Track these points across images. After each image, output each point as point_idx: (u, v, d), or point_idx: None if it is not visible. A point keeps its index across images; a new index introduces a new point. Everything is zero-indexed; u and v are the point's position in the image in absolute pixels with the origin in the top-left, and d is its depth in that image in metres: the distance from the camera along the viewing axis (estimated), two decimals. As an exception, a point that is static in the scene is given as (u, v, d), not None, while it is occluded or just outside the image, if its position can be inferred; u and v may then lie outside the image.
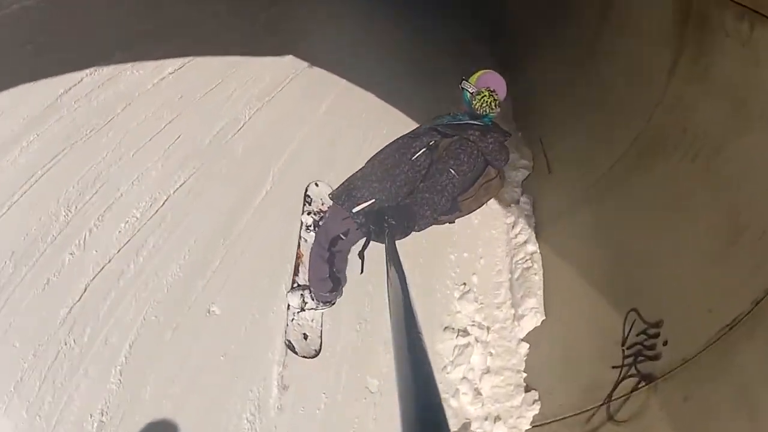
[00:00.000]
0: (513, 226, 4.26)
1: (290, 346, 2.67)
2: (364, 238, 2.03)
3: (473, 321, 3.61)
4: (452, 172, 2.04)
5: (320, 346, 2.75)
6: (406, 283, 1.22)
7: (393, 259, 1.52)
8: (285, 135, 3.64)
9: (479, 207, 2.36)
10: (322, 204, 3.19)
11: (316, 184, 3.29)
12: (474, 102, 2.16)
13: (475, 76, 2.20)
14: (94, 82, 3.09)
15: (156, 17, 3.78)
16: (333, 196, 2.29)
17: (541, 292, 3.74)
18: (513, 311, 3.75)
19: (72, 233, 2.43)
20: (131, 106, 3.08)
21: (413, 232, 2.03)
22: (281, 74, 4.18)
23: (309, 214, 3.08)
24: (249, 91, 3.77)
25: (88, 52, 3.22)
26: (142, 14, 3.74)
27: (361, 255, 1.99)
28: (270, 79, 4.04)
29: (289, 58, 4.42)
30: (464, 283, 3.76)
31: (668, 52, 3.48)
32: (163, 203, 2.72)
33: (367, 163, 2.34)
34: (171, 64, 3.49)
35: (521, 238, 4.13)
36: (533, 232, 4.12)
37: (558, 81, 4.81)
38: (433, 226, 2.20)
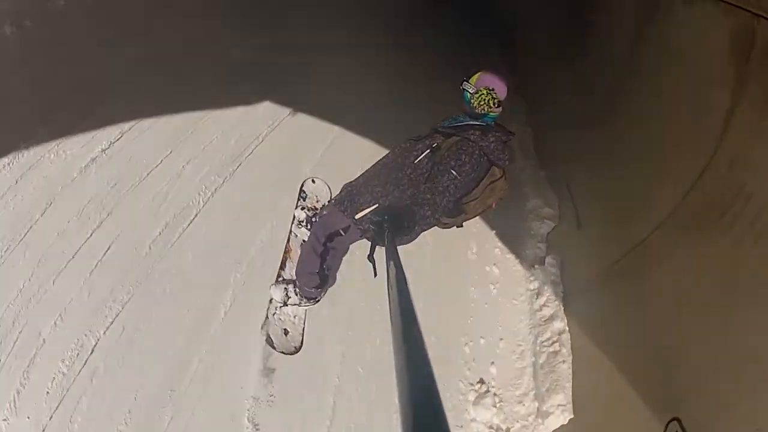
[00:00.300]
0: (537, 295, 4.01)
1: (269, 341, 2.84)
2: (369, 242, 2.32)
3: (491, 426, 3.39)
4: (453, 173, 2.25)
5: (301, 343, 2.94)
6: (406, 284, 1.35)
7: (393, 259, 1.68)
8: (254, 220, 3.32)
9: (486, 209, 2.52)
10: (317, 201, 3.44)
11: (313, 181, 3.51)
12: (473, 101, 2.39)
13: (475, 76, 2.42)
14: (13, 176, 2.80)
15: (88, 70, 3.39)
16: (335, 202, 2.52)
17: (569, 385, 3.54)
18: (536, 405, 3.55)
19: (2, 394, 2.23)
20: (53, 206, 2.78)
21: (419, 234, 2.32)
22: (253, 130, 3.81)
23: (303, 209, 3.32)
24: (208, 162, 3.42)
25: (6, 131, 2.92)
26: (66, 69, 3.33)
27: (370, 258, 2.26)
28: (238, 140, 3.68)
29: (264, 106, 4.04)
30: (480, 381, 3.53)
31: (724, 94, 3.15)
32: (92, 350, 2.44)
33: (369, 168, 2.57)
34: (106, 136, 3.17)
35: (547, 312, 3.88)
36: (561, 305, 3.86)
37: (584, 114, 4.48)
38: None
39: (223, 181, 3.38)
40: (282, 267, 3.09)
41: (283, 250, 3.14)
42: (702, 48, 3.35)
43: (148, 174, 3.13)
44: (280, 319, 2.95)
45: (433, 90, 4.78)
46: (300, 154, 3.85)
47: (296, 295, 2.88)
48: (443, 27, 7.24)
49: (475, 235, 4.28)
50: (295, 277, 2.92)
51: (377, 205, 2.36)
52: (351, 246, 2.69)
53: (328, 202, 3.14)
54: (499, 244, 4.32)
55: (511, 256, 4.26)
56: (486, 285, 4.03)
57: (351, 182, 2.56)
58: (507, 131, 2.45)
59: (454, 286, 3.89)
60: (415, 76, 5.50)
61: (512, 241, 4.34)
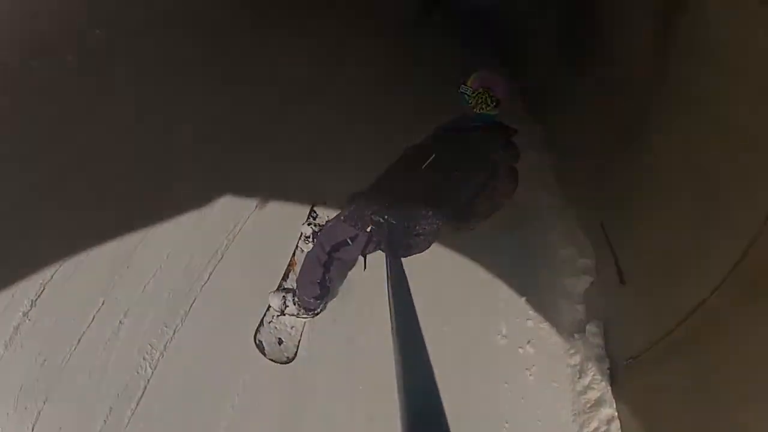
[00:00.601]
0: (580, 374, 3.71)
1: (260, 347, 3.11)
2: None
3: None
4: (457, 174, 2.57)
5: (295, 354, 3.17)
6: (406, 284, 1.51)
7: (393, 259, 1.91)
8: (220, 378, 3.01)
9: (497, 209, 2.81)
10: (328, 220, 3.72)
11: (325, 202, 3.85)
12: (471, 102, 2.67)
13: (472, 76, 2.71)
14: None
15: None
16: (344, 216, 2.80)
17: (625, 493, 3.31)
18: None
19: None
20: (-17, 402, 2.68)
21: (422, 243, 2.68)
22: (209, 244, 3.48)
23: (310, 225, 3.67)
24: (151, 307, 3.10)
25: None
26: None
27: (363, 253, 2.64)
28: (189, 264, 3.35)
29: (222, 204, 3.71)
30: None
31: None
32: None
33: (376, 179, 2.82)
34: (26, 292, 2.97)
35: (592, 395, 3.60)
36: (608, 386, 3.57)
37: (611, 139, 4.08)
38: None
39: (174, 332, 3.10)
40: (284, 278, 3.40)
41: (288, 263, 3.46)
42: (750, 53, 2.88)
43: (79, 340, 2.93)
44: (275, 327, 3.22)
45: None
46: (275, 263, 3.52)
47: (294, 304, 3.18)
48: (445, 54, 6.85)
49: (504, 312, 3.98)
50: (295, 287, 3.22)
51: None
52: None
53: (337, 215, 3.29)
54: (531, 312, 4.01)
55: (545, 326, 3.95)
56: (521, 373, 3.75)
57: (358, 194, 2.83)
58: (509, 129, 2.76)
59: (484, 388, 3.60)
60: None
61: (545, 305, 4.04)
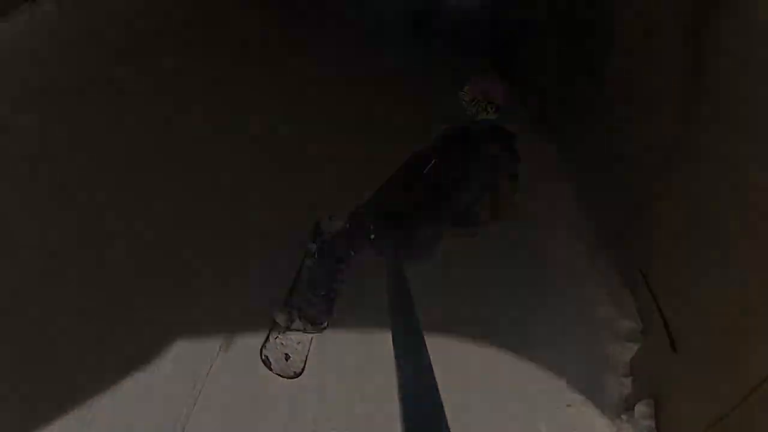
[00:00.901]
0: (631, 464, 3.41)
1: (266, 362, 3.26)
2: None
3: None
4: (458, 178, 2.80)
5: (302, 369, 3.29)
6: (406, 281, 1.67)
7: (392, 256, 2.14)
8: None
9: (499, 214, 2.95)
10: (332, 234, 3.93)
11: (330, 218, 4.02)
12: (470, 108, 2.94)
13: (469, 85, 2.97)
14: None
15: None
16: (348, 229, 3.17)
17: None
18: None
19: None
20: None
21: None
22: (165, 420, 2.87)
23: (315, 241, 3.89)
24: None
25: None
26: None
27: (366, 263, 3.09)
28: None
29: (173, 358, 3.14)
30: None
31: None
32: None
33: (379, 186, 3.11)
34: None
35: (646, 492, 3.30)
36: (665, 483, 3.26)
37: (639, 164, 3.83)
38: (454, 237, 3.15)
39: None
40: (290, 294, 3.58)
41: (293, 279, 3.65)
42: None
43: None
44: (282, 343, 3.38)
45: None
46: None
47: (300, 319, 3.35)
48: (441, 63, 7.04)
49: (540, 403, 3.48)
50: (300, 302, 3.42)
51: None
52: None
53: (342, 227, 3.50)
54: (571, 394, 3.57)
55: (589, 408, 3.58)
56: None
57: (360, 205, 3.12)
58: (509, 134, 2.94)
59: None
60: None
61: (586, 382, 3.62)
